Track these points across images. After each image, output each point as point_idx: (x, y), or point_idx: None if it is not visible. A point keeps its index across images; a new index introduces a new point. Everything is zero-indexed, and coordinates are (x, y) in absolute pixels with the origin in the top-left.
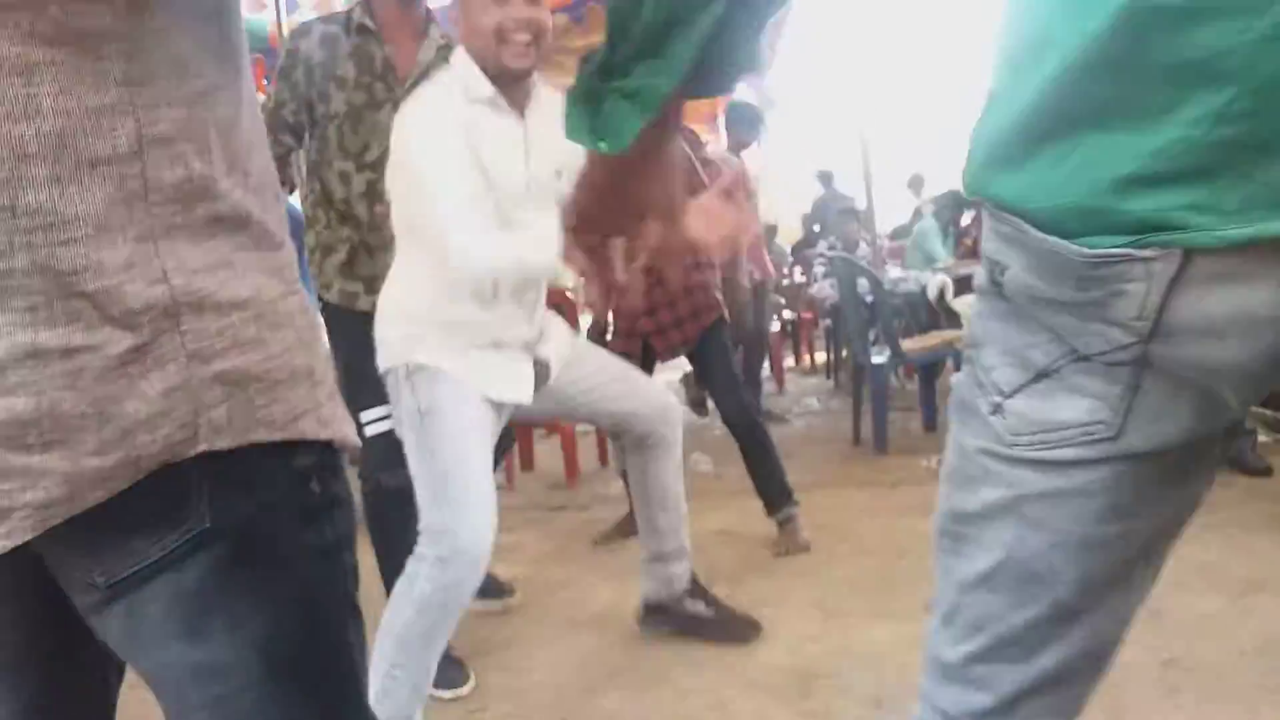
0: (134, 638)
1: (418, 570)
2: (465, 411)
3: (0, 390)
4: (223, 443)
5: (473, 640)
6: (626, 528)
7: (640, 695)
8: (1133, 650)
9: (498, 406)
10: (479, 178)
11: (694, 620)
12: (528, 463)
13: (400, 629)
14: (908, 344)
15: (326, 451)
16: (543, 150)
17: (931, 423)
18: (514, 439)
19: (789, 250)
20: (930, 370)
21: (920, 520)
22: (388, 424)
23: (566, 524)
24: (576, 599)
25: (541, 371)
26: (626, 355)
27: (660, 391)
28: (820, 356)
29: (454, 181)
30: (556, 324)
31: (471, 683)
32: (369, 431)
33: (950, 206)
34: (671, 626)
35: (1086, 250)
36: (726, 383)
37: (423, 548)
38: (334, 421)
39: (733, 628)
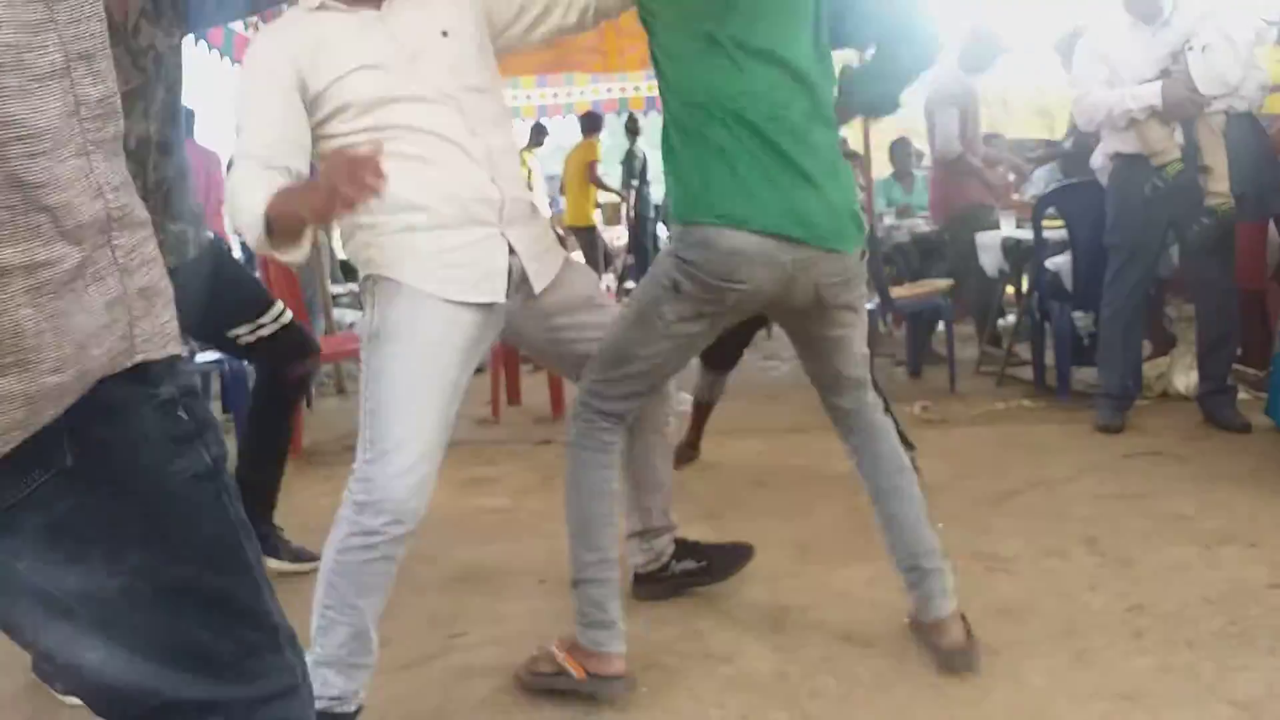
0: (12, 573)
1: (341, 513)
2: (418, 339)
3: None
4: (152, 353)
5: (456, 567)
6: None
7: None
8: (1101, 596)
9: (477, 312)
10: (292, 119)
11: (687, 578)
12: (514, 396)
13: (325, 569)
14: (897, 291)
15: (185, 377)
16: (415, 21)
17: (917, 370)
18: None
19: None
20: (918, 318)
21: None
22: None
23: (550, 457)
24: (558, 530)
25: (515, 267)
26: None
27: None
28: None
29: (252, 129)
30: (540, 225)
31: None
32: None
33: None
34: (667, 592)
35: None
36: None
37: (347, 490)
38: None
39: (726, 562)
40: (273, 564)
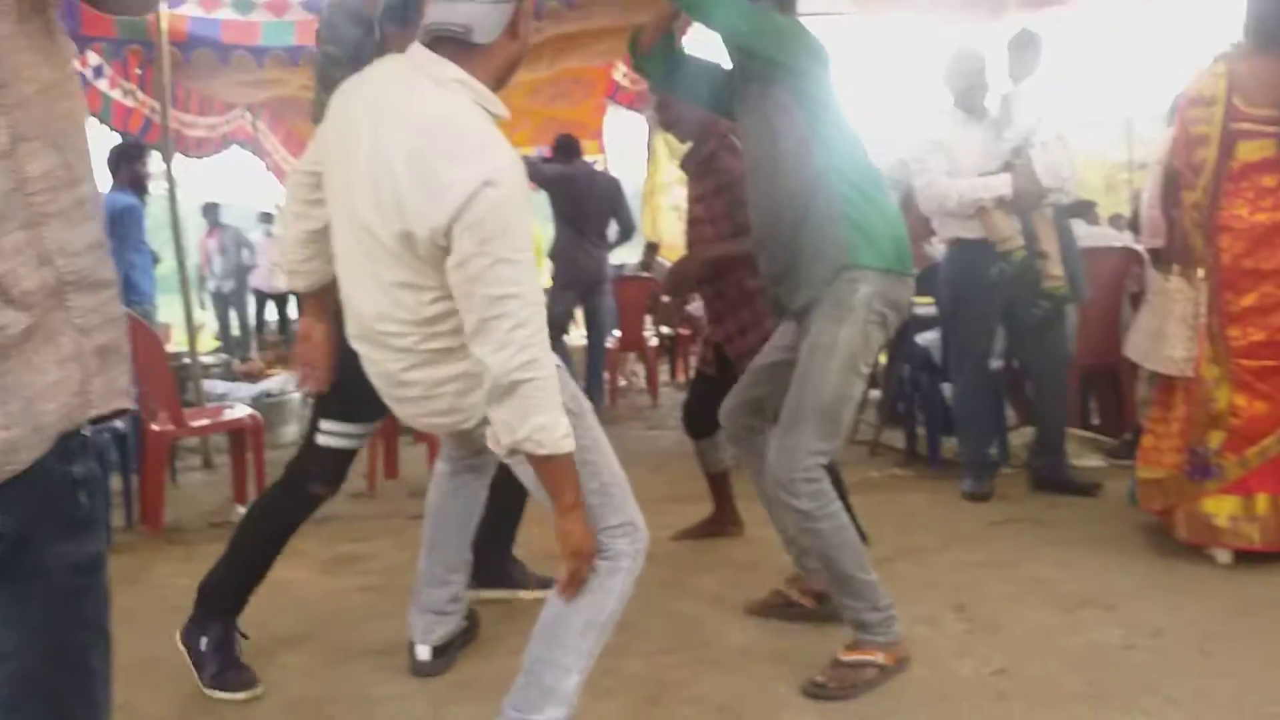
0: None
1: (617, 565)
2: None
3: None
4: (103, 407)
5: (323, 650)
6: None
7: (491, 704)
8: (968, 661)
9: None
10: None
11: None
12: (391, 469)
13: (604, 620)
14: None
15: (93, 464)
16: None
17: None
18: None
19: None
20: None
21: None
22: (341, 440)
23: None
24: None
25: None
26: (704, 364)
27: None
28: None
29: None
30: None
31: (259, 688)
32: (322, 441)
33: None
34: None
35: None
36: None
37: (620, 544)
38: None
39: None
40: (522, 594)
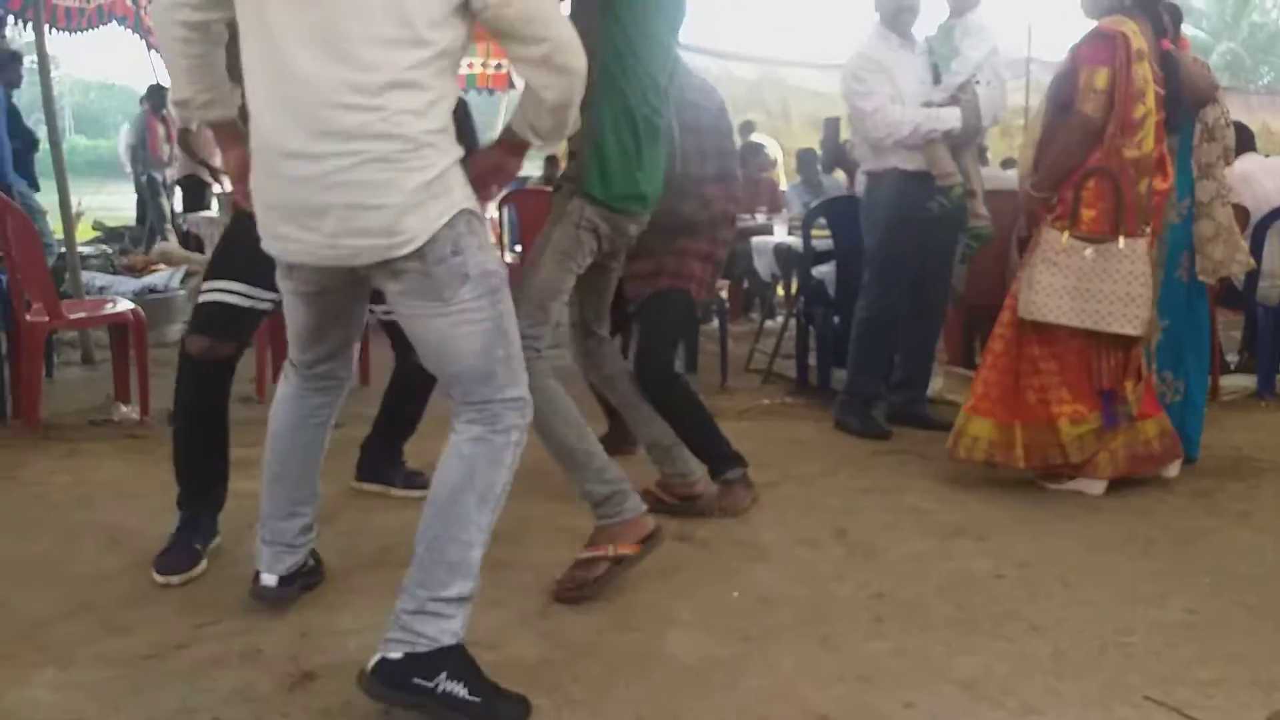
0: None
1: (508, 440)
2: None
3: None
4: None
5: (211, 553)
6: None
7: (384, 613)
8: (847, 585)
9: None
10: None
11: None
12: (279, 373)
13: (499, 494)
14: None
15: None
16: None
17: (691, 366)
18: None
19: None
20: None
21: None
22: (218, 295)
23: None
24: (323, 515)
25: None
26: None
27: None
28: None
29: None
30: None
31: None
32: (201, 299)
33: (811, 162)
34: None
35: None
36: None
37: (512, 417)
38: None
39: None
40: (393, 491)
